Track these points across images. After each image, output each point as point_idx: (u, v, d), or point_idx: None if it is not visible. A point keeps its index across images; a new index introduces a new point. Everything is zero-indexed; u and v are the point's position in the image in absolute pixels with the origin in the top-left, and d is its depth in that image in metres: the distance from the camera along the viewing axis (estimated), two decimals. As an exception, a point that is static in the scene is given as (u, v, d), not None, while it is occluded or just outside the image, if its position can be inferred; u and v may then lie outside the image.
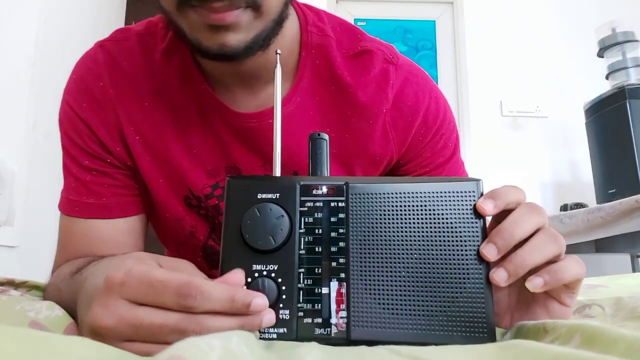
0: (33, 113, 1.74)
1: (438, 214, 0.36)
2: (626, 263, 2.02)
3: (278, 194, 0.36)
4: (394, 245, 0.35)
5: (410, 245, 0.35)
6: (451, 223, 0.35)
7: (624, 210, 1.49)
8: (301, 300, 0.34)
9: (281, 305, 0.34)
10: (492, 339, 0.33)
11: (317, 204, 0.37)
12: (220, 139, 0.58)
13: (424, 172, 0.63)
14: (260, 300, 0.31)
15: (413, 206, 0.36)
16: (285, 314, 0.34)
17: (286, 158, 0.55)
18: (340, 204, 0.36)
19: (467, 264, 0.35)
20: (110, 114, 0.57)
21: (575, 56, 2.58)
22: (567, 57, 2.61)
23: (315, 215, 0.36)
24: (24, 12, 1.74)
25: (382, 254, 0.35)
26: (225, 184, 0.58)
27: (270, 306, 0.33)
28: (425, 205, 0.36)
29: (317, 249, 0.36)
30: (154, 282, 0.30)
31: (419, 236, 0.35)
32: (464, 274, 0.34)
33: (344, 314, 0.34)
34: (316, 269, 0.35)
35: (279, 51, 0.47)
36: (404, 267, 0.35)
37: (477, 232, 0.35)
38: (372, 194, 0.36)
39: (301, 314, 0.34)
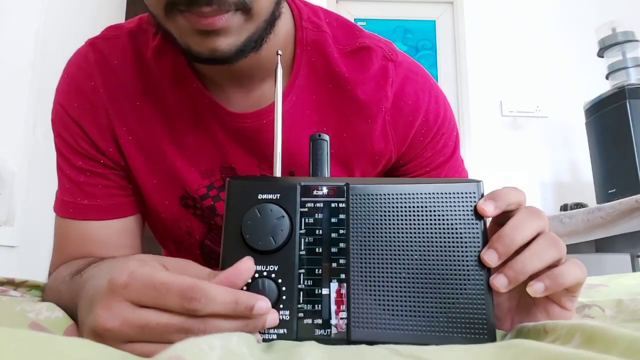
0: (33, 113, 1.74)
1: (438, 215, 0.36)
2: (626, 263, 2.02)
3: (278, 195, 0.36)
4: (394, 246, 0.35)
5: (411, 246, 0.35)
6: (452, 224, 0.35)
7: (624, 210, 1.49)
8: (301, 301, 0.34)
9: (281, 306, 0.34)
10: (492, 340, 0.33)
11: (318, 204, 0.37)
12: (214, 139, 0.57)
13: (425, 172, 0.62)
14: (263, 303, 0.31)
15: (413, 207, 0.36)
16: (286, 315, 0.34)
17: (283, 157, 0.54)
18: (340, 205, 0.36)
19: (467, 266, 0.34)
20: (102, 114, 0.56)
21: (575, 56, 2.58)
22: (567, 57, 2.61)
23: (316, 216, 0.36)
24: (24, 12, 1.74)
25: (382, 255, 0.35)
26: (219, 184, 0.59)
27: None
28: (426, 207, 0.36)
29: (317, 249, 0.36)
30: (157, 285, 0.30)
31: (419, 237, 0.35)
32: (464, 275, 0.34)
33: (344, 314, 0.34)
34: (316, 270, 0.35)
35: (279, 52, 0.46)
36: (404, 268, 0.35)
37: (477, 233, 0.35)
38: (372, 194, 0.36)
39: (301, 314, 0.34)
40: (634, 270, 1.94)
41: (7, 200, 1.59)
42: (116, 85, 0.56)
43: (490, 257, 0.34)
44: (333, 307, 0.34)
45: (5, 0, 1.69)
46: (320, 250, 0.36)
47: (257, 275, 0.34)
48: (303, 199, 0.37)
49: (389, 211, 0.36)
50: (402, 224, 0.36)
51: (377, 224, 0.36)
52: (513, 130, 2.57)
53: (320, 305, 0.34)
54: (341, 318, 0.34)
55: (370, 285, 0.34)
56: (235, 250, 0.35)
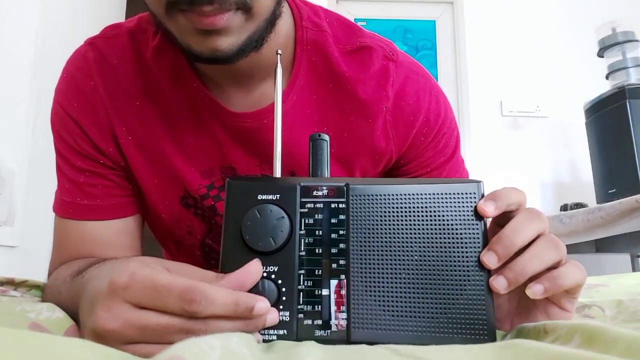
0: (33, 113, 1.74)
1: (439, 216, 0.36)
2: (626, 263, 2.02)
3: (278, 195, 0.36)
4: (394, 246, 0.35)
5: (411, 246, 0.35)
6: (452, 225, 0.35)
7: (624, 210, 1.49)
8: (301, 302, 0.34)
9: (281, 307, 0.34)
10: (492, 341, 0.33)
11: (318, 205, 0.36)
12: (215, 139, 0.56)
13: (426, 172, 0.62)
14: (262, 304, 0.31)
15: (414, 208, 0.36)
16: (286, 316, 0.34)
17: (283, 157, 0.53)
18: (340, 205, 0.36)
19: (467, 266, 0.34)
20: (101, 114, 0.56)
21: (575, 56, 2.58)
22: (567, 57, 2.61)
23: (316, 217, 0.36)
24: (24, 12, 1.74)
25: (382, 255, 0.35)
26: (220, 184, 0.59)
27: None
28: (426, 207, 0.36)
29: (317, 250, 0.36)
30: (158, 287, 0.30)
31: (419, 238, 0.35)
32: (464, 276, 0.34)
33: (344, 315, 0.34)
34: (316, 271, 0.35)
35: (279, 52, 0.46)
36: (404, 269, 0.34)
37: (477, 234, 0.35)
38: (372, 195, 0.36)
39: (301, 315, 0.34)
40: (634, 270, 1.94)
41: (7, 200, 1.59)
42: (116, 85, 0.56)
43: (490, 259, 0.34)
44: (333, 308, 0.34)
45: (5, 0, 1.69)
46: (320, 251, 0.35)
47: None
48: (303, 200, 0.36)
49: (389, 212, 0.36)
50: (402, 225, 0.35)
51: (377, 225, 0.36)
52: (513, 130, 2.57)
53: (320, 306, 0.34)
54: (341, 319, 0.34)
55: (370, 286, 0.34)
56: (235, 251, 0.35)
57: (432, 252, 0.35)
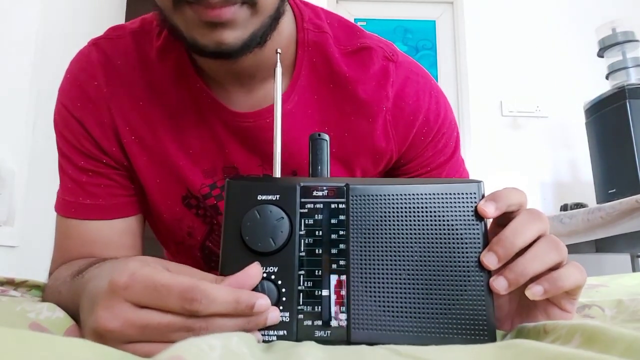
0: (33, 113, 1.74)
1: (439, 216, 0.35)
2: (626, 263, 2.02)
3: (278, 196, 0.36)
4: (394, 247, 0.35)
5: (411, 247, 0.35)
6: (452, 225, 0.35)
7: (624, 210, 1.49)
8: (301, 303, 0.34)
9: (281, 308, 0.34)
10: (492, 341, 0.33)
11: (318, 205, 0.36)
12: (217, 139, 0.57)
13: (425, 171, 0.62)
14: (263, 301, 0.31)
15: (414, 208, 0.36)
16: (285, 316, 0.34)
17: (285, 157, 0.54)
18: (340, 206, 0.36)
19: (468, 267, 0.34)
20: (105, 114, 0.56)
21: (575, 56, 2.58)
22: (567, 57, 2.61)
23: (316, 217, 0.36)
24: (24, 12, 1.74)
25: (382, 256, 0.35)
26: (222, 183, 0.59)
27: None
28: (426, 207, 0.36)
29: (317, 251, 0.35)
30: (158, 287, 0.30)
31: (419, 238, 0.35)
32: (464, 276, 0.34)
33: (344, 316, 0.34)
34: (316, 271, 0.35)
35: (279, 50, 0.46)
36: (404, 269, 0.34)
37: (478, 234, 0.35)
38: (372, 195, 0.36)
39: (301, 316, 0.34)
40: (634, 270, 1.94)
41: (7, 200, 1.59)
42: (119, 85, 0.56)
43: (490, 260, 0.34)
44: (333, 309, 0.34)
45: (5, 0, 1.69)
46: (320, 252, 0.35)
47: None
48: (303, 200, 0.36)
49: (389, 212, 0.36)
50: (402, 225, 0.35)
51: (377, 225, 0.36)
52: (513, 130, 2.57)
53: (320, 307, 0.34)
54: (341, 319, 0.34)
55: (370, 286, 0.34)
56: (235, 252, 0.35)
57: (433, 252, 0.35)
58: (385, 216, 0.36)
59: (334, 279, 0.35)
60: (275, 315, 0.33)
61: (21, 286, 0.55)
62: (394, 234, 0.35)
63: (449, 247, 0.35)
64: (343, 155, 0.58)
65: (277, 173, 0.42)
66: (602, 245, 1.77)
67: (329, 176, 0.43)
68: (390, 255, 0.35)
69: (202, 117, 0.56)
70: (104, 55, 0.57)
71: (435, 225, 0.35)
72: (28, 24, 1.74)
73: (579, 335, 0.29)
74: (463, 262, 0.35)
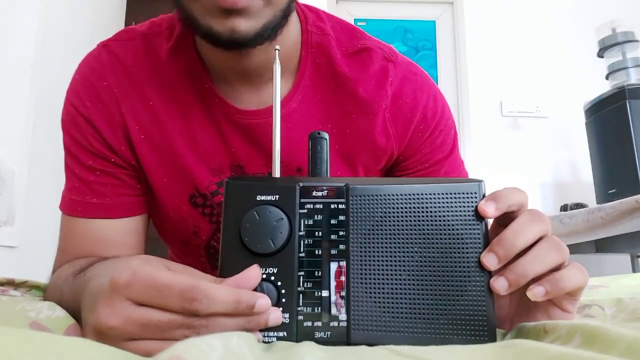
0: (33, 113, 1.74)
1: (439, 216, 0.35)
2: (626, 263, 2.02)
3: (277, 196, 0.36)
4: (394, 247, 0.35)
5: (411, 247, 0.35)
6: (453, 225, 0.35)
7: (624, 210, 1.49)
8: (301, 304, 0.34)
9: (281, 309, 0.34)
10: (492, 341, 0.33)
11: (317, 205, 0.36)
12: (224, 137, 0.58)
13: (424, 168, 0.63)
14: (264, 301, 0.31)
15: (414, 208, 0.35)
16: (285, 318, 0.34)
17: (289, 155, 0.56)
18: (340, 206, 0.36)
19: (468, 267, 0.34)
20: (115, 113, 0.57)
21: (575, 56, 2.58)
22: (567, 57, 2.61)
23: (315, 218, 0.36)
24: (24, 11, 1.74)
25: (382, 256, 0.35)
26: None
27: None
28: (427, 207, 0.35)
29: (316, 251, 0.35)
30: (159, 285, 0.30)
31: (420, 238, 0.35)
32: (465, 276, 0.34)
33: (344, 317, 0.34)
34: (316, 272, 0.35)
35: (277, 47, 0.47)
36: (404, 270, 0.34)
37: (478, 234, 0.35)
38: (372, 195, 0.36)
39: (301, 317, 0.34)
40: (634, 270, 1.94)
41: (7, 200, 1.59)
42: (129, 85, 0.57)
43: (490, 261, 0.34)
44: (333, 310, 0.34)
45: (5, 0, 1.69)
46: (320, 252, 0.35)
47: None
48: (302, 200, 0.36)
49: (389, 212, 0.35)
50: (402, 225, 0.35)
51: (377, 225, 0.35)
52: (513, 130, 2.57)
53: (320, 308, 0.34)
54: (341, 320, 0.34)
55: (370, 287, 0.34)
56: (234, 253, 0.35)
57: (433, 252, 0.35)
58: (385, 216, 0.35)
59: (333, 279, 0.35)
60: (276, 316, 0.33)
61: (21, 287, 0.55)
62: (394, 234, 0.35)
63: (450, 248, 0.35)
64: (345, 152, 0.60)
65: (277, 173, 0.42)
66: (602, 246, 1.77)
67: (328, 175, 0.42)
68: (391, 256, 0.35)
69: (211, 116, 0.58)
70: (114, 56, 0.58)
71: (436, 225, 0.35)
72: (28, 24, 1.74)
73: (579, 335, 0.29)
74: (463, 262, 0.34)
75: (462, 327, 0.33)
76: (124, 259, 0.44)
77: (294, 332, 0.34)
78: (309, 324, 0.34)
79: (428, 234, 0.35)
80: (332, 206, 0.36)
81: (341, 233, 0.35)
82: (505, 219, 0.36)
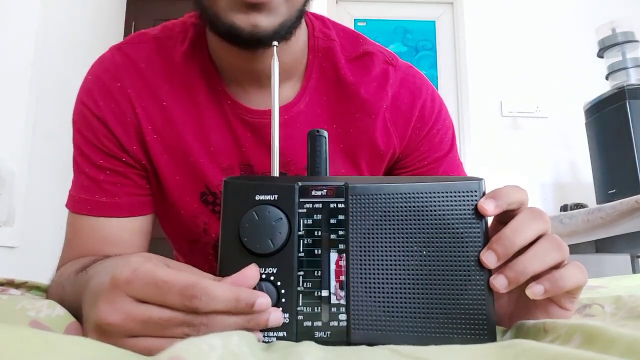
0: (33, 113, 1.74)
1: (439, 215, 0.35)
2: (626, 263, 2.02)
3: (276, 196, 0.35)
4: (394, 246, 0.35)
5: (411, 246, 0.35)
6: (453, 224, 0.35)
7: (624, 210, 1.49)
8: (301, 304, 0.34)
9: (281, 309, 0.34)
10: (492, 340, 0.33)
11: (317, 205, 0.36)
12: (235, 137, 0.60)
13: (422, 166, 0.66)
14: (263, 299, 0.31)
15: (414, 207, 0.35)
16: (285, 318, 0.33)
17: (297, 155, 0.59)
18: (339, 205, 0.36)
19: (468, 265, 0.34)
20: (128, 113, 0.58)
21: (575, 56, 2.58)
22: (567, 57, 2.61)
23: (315, 217, 0.36)
24: (24, 12, 1.74)
25: (382, 255, 0.35)
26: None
27: None
28: (427, 206, 0.35)
29: (316, 251, 0.35)
30: (159, 283, 0.30)
31: (419, 237, 0.35)
32: (465, 275, 0.34)
33: (343, 316, 0.34)
34: (315, 272, 0.35)
35: (275, 43, 0.48)
36: (404, 269, 0.34)
37: (478, 233, 0.35)
38: (372, 194, 0.36)
39: (301, 317, 0.34)
40: (634, 270, 1.94)
41: (7, 200, 1.59)
42: (143, 86, 0.59)
43: (489, 259, 0.34)
44: (333, 309, 0.34)
45: (5, 0, 1.69)
46: (320, 252, 0.35)
47: None
48: (301, 200, 0.36)
49: (389, 211, 0.35)
50: (402, 224, 0.35)
51: (376, 224, 0.35)
52: (513, 130, 2.57)
53: (319, 308, 0.34)
54: (341, 320, 0.34)
55: (370, 287, 0.34)
56: (233, 254, 0.35)
57: (433, 251, 0.34)
58: (385, 215, 0.35)
59: (333, 279, 0.35)
60: (277, 316, 0.33)
61: (21, 287, 0.55)
62: (394, 233, 0.35)
63: (450, 246, 0.34)
64: (350, 151, 0.63)
65: (275, 172, 0.42)
66: (602, 246, 1.77)
67: (328, 174, 0.42)
68: (390, 255, 0.34)
69: (223, 116, 0.60)
70: (127, 59, 0.60)
71: (436, 223, 0.35)
72: (28, 24, 1.74)
73: (578, 335, 0.29)
74: (463, 260, 0.34)
75: (462, 326, 0.33)
76: (124, 257, 0.44)
77: (294, 332, 0.33)
78: (309, 323, 0.34)
79: (428, 233, 0.35)
80: (332, 205, 0.36)
81: (341, 232, 0.35)
82: (506, 217, 0.36)
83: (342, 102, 0.62)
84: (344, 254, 0.35)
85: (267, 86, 0.59)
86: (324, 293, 0.34)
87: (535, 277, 0.35)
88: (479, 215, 0.35)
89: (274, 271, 0.34)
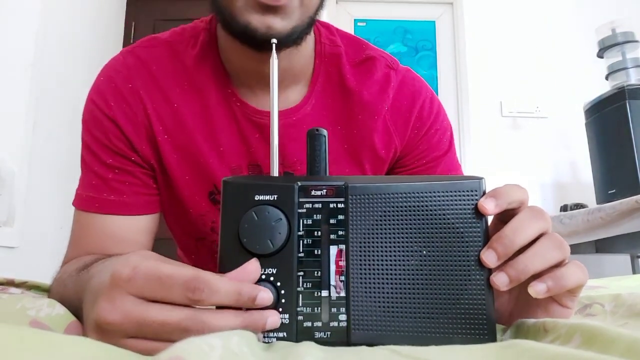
0: (33, 113, 1.74)
1: (440, 214, 0.35)
2: (626, 264, 2.02)
3: (276, 196, 0.35)
4: (394, 246, 0.34)
5: (411, 246, 0.34)
6: (453, 223, 0.35)
7: (624, 210, 1.49)
8: (300, 304, 0.34)
9: (280, 310, 0.33)
10: (493, 340, 0.33)
11: (316, 205, 0.36)
12: (244, 137, 0.62)
13: (421, 164, 0.68)
14: (265, 294, 0.31)
15: (414, 206, 0.35)
16: (285, 318, 0.33)
17: (303, 156, 0.60)
18: (339, 205, 0.35)
19: (468, 265, 0.34)
20: (139, 114, 0.60)
21: (575, 56, 2.58)
22: (567, 57, 2.61)
23: (314, 217, 0.35)
24: (24, 11, 1.74)
25: (382, 255, 0.34)
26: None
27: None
28: (427, 205, 0.35)
29: (316, 251, 0.35)
30: (162, 277, 0.30)
31: (420, 237, 0.35)
32: (465, 274, 0.34)
33: (343, 317, 0.34)
34: (315, 272, 0.35)
35: (274, 40, 0.50)
36: (404, 269, 0.34)
37: (479, 232, 0.35)
38: (372, 194, 0.36)
39: (301, 317, 0.34)
40: (634, 271, 1.94)
41: (7, 200, 1.59)
42: (155, 88, 0.61)
43: (489, 258, 0.34)
44: (333, 310, 0.34)
45: (5, 0, 1.69)
46: (319, 253, 0.35)
47: None
48: (301, 200, 0.36)
49: (389, 211, 0.35)
50: (402, 224, 0.35)
51: (376, 224, 0.35)
52: (513, 130, 2.57)
53: (319, 308, 0.34)
54: (341, 320, 0.34)
55: (370, 287, 0.34)
56: (233, 254, 0.34)
57: (433, 251, 0.34)
58: (385, 215, 0.35)
59: (333, 279, 0.35)
60: (274, 319, 0.33)
61: (21, 287, 0.55)
62: (394, 233, 0.35)
63: (450, 245, 0.34)
64: (353, 151, 0.65)
65: (275, 172, 0.42)
66: (602, 246, 1.77)
67: (327, 173, 0.42)
68: (390, 255, 0.34)
69: (233, 117, 0.62)
70: (139, 61, 0.62)
71: (436, 223, 0.35)
72: (28, 24, 1.74)
73: (578, 335, 0.29)
74: (464, 260, 0.34)
75: (462, 326, 0.33)
76: (124, 255, 0.44)
77: (294, 333, 0.33)
78: (309, 324, 0.34)
79: (428, 232, 0.35)
80: (332, 205, 0.36)
81: (340, 232, 0.35)
82: (506, 216, 0.36)
83: (346, 104, 0.65)
84: (344, 254, 0.35)
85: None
86: (324, 293, 0.34)
87: (536, 276, 0.35)
88: (479, 214, 0.35)
89: (274, 272, 0.34)
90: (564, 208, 2.18)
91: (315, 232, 0.35)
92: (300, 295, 0.34)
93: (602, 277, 0.82)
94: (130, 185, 0.60)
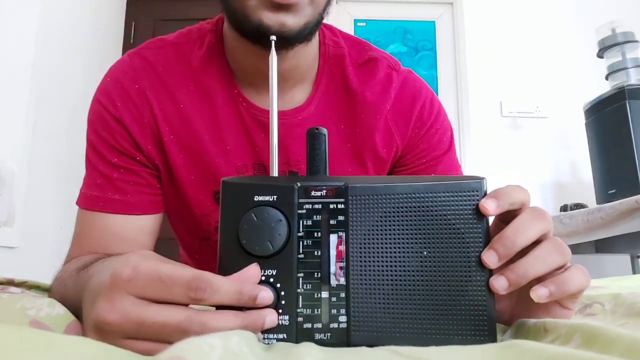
0: (33, 113, 1.74)
1: (440, 215, 0.35)
2: (626, 264, 2.02)
3: (275, 196, 0.35)
4: (394, 247, 0.34)
5: (412, 246, 0.34)
6: (454, 223, 0.34)
7: (624, 210, 1.49)
8: (300, 305, 0.34)
9: (280, 311, 0.33)
10: (493, 341, 0.33)
11: (316, 206, 0.35)
12: (250, 137, 0.63)
13: (421, 163, 0.69)
14: (266, 293, 0.32)
15: (414, 207, 0.35)
16: (285, 320, 0.33)
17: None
18: (339, 206, 0.35)
19: (469, 265, 0.34)
20: (145, 114, 0.61)
21: (576, 56, 2.58)
22: (567, 58, 2.61)
23: (314, 218, 0.35)
24: (24, 12, 1.74)
25: (382, 256, 0.34)
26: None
27: None
28: (427, 206, 0.35)
29: (316, 252, 0.35)
30: (163, 277, 0.30)
31: (420, 237, 0.34)
32: (466, 275, 0.34)
33: (344, 318, 0.33)
34: (315, 274, 0.34)
35: (273, 38, 0.50)
36: (404, 269, 0.34)
37: (480, 232, 0.34)
38: (372, 194, 0.35)
39: (301, 319, 0.34)
40: (634, 271, 1.94)
41: (7, 200, 1.59)
42: (161, 89, 0.61)
43: (490, 258, 0.34)
44: (333, 311, 0.34)
45: (5, 0, 1.69)
46: (319, 254, 0.35)
47: None
48: (301, 201, 0.35)
49: (389, 211, 0.35)
50: (402, 224, 0.35)
51: (377, 225, 0.35)
52: (513, 130, 2.57)
53: (319, 309, 0.34)
54: (341, 322, 0.34)
55: (370, 288, 0.34)
56: (233, 256, 0.34)
57: (434, 251, 0.34)
58: (385, 215, 0.35)
59: (333, 280, 0.34)
60: (272, 318, 0.32)
61: (21, 287, 0.55)
62: (394, 233, 0.35)
63: (451, 246, 0.34)
64: (356, 150, 0.66)
65: (275, 172, 0.42)
66: (602, 246, 1.77)
67: (327, 173, 0.41)
68: (391, 256, 0.34)
69: (239, 117, 0.63)
70: (146, 62, 0.63)
71: (437, 223, 0.34)
72: (28, 24, 1.74)
73: (578, 335, 0.29)
74: (464, 260, 0.34)
75: (463, 327, 0.33)
76: (123, 255, 0.44)
77: (294, 334, 0.33)
78: (309, 325, 0.33)
79: (429, 233, 0.34)
80: (332, 206, 0.35)
81: (340, 233, 0.35)
82: (507, 217, 0.36)
83: (350, 104, 0.66)
84: (344, 255, 0.35)
85: (282, 89, 0.62)
86: (324, 295, 0.34)
87: (537, 279, 0.35)
88: (480, 215, 0.35)
89: (274, 273, 0.34)
90: (564, 208, 2.18)
91: (315, 233, 0.35)
92: (300, 297, 0.34)
93: (602, 277, 0.82)
94: (135, 184, 0.61)
